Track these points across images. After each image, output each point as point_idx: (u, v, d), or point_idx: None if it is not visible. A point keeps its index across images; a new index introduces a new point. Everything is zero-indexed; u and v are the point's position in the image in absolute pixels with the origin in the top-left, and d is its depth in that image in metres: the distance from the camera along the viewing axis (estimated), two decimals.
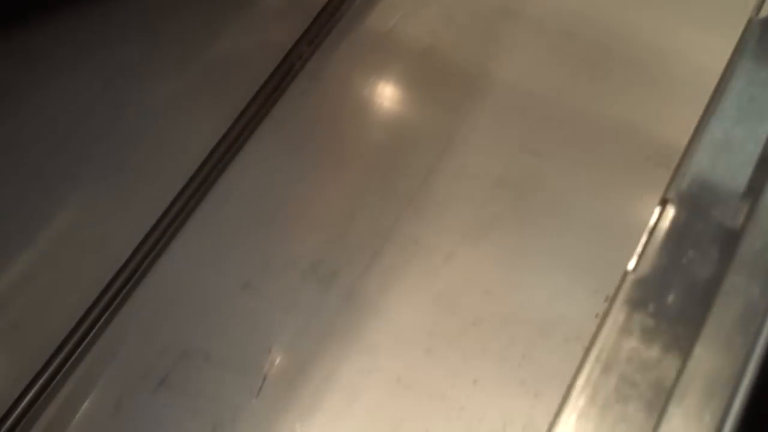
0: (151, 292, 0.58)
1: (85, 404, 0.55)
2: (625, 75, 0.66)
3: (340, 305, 0.57)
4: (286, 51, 0.67)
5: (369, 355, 0.55)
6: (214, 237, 0.60)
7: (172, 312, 0.58)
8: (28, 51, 0.69)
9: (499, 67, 0.67)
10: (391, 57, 0.68)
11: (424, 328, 0.55)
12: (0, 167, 0.64)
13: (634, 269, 0.42)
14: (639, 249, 0.43)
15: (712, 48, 0.64)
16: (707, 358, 0.40)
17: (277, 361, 0.55)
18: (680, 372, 0.39)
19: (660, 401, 0.38)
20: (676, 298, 0.42)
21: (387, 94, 0.66)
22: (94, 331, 0.56)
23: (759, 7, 0.62)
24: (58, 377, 0.55)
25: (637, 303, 0.42)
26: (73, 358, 0.55)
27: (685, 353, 0.40)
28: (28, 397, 0.54)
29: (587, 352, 0.39)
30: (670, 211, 0.45)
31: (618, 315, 0.41)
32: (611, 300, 0.42)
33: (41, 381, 0.54)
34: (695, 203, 0.45)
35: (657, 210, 0.45)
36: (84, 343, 0.56)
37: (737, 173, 0.48)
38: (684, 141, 0.59)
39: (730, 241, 0.44)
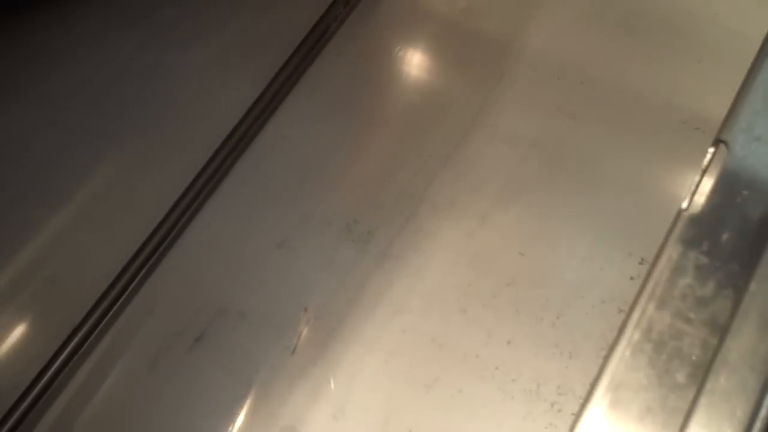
0: (188, 250, 0.59)
1: (122, 361, 0.56)
2: (661, 39, 0.65)
3: (375, 265, 0.57)
4: (321, 12, 0.66)
5: (404, 314, 0.55)
6: (250, 196, 0.60)
7: (208, 270, 0.58)
8: (65, 14, 0.70)
9: (534, 30, 0.66)
10: (427, 19, 0.68)
11: (459, 288, 0.55)
12: (38, 124, 0.64)
13: (687, 208, 0.42)
14: (692, 188, 0.43)
15: (749, 12, 0.64)
16: (762, 294, 0.40)
17: (312, 320, 0.55)
18: (735, 308, 0.39)
19: (715, 338, 0.38)
20: (730, 236, 0.42)
21: (422, 57, 0.66)
22: (130, 288, 0.57)
23: None
24: (95, 334, 0.55)
25: (690, 241, 0.41)
26: (109, 314, 0.56)
27: (740, 290, 0.39)
28: (65, 353, 0.54)
29: (641, 289, 0.39)
30: (723, 151, 0.45)
31: (672, 253, 0.41)
32: (668, 231, 0.42)
33: (78, 337, 0.55)
34: (748, 144, 0.45)
35: (710, 150, 0.45)
36: (120, 300, 0.56)
37: None
38: (719, 106, 0.59)
39: None
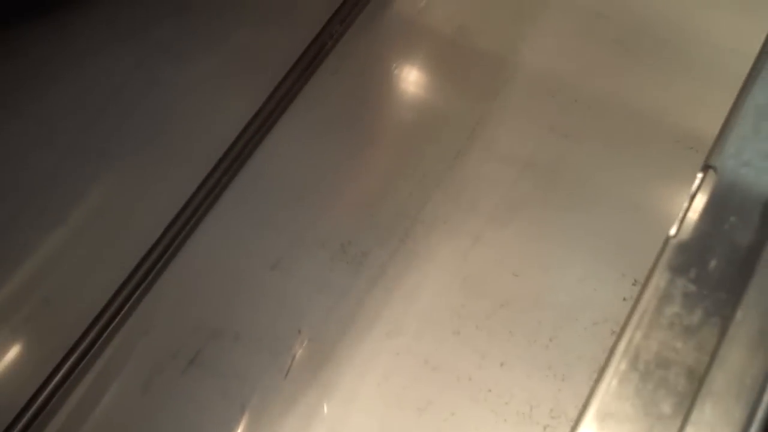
0: (182, 271, 0.59)
1: (116, 382, 0.56)
2: (655, 57, 0.65)
3: (370, 286, 0.57)
4: (318, 30, 0.66)
5: (397, 336, 0.55)
6: (245, 216, 0.60)
7: (202, 291, 0.58)
8: (63, 29, 0.70)
9: (528, 48, 0.66)
10: (422, 37, 0.68)
11: (453, 310, 0.56)
12: (34, 142, 0.64)
13: (676, 234, 0.42)
14: (680, 214, 0.43)
15: (743, 31, 0.64)
16: (749, 323, 0.40)
17: (306, 342, 0.55)
18: (721, 337, 0.39)
19: (701, 367, 0.38)
20: (717, 263, 0.42)
21: (417, 74, 0.66)
22: (125, 309, 0.57)
23: None
24: (89, 355, 0.55)
25: (678, 268, 0.41)
26: (104, 336, 0.56)
27: (727, 319, 0.40)
28: (59, 375, 0.54)
29: (629, 317, 0.40)
30: (712, 177, 0.45)
31: (659, 280, 0.41)
32: (653, 264, 0.42)
33: (72, 358, 0.55)
34: (737, 169, 0.45)
35: (699, 176, 0.45)
36: (115, 321, 0.56)
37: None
38: (713, 125, 0.59)
39: None
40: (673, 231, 0.43)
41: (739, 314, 0.41)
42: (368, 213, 0.60)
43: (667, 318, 0.41)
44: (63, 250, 0.60)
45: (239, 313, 0.57)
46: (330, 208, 0.60)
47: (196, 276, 0.59)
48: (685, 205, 0.43)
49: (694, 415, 0.38)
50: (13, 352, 0.57)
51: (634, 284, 0.55)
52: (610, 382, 0.39)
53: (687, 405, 0.38)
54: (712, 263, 0.43)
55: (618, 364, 0.40)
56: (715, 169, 0.47)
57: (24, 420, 0.53)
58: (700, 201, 0.44)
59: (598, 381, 0.39)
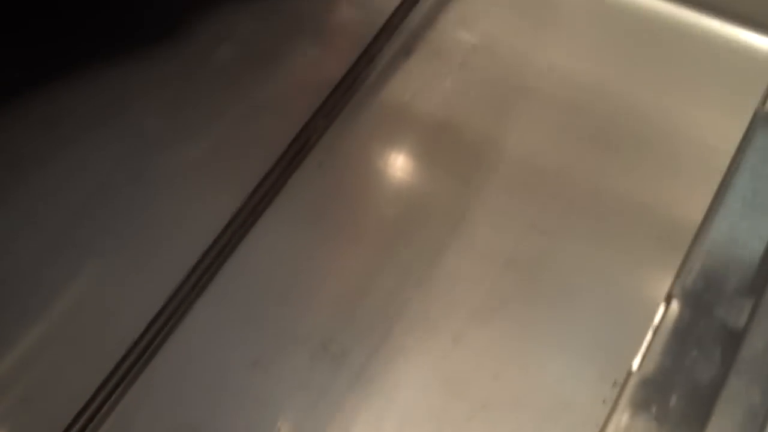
0: (163, 369, 0.59)
1: None
2: (636, 153, 0.66)
3: (350, 385, 0.57)
4: (302, 124, 0.67)
5: None
6: (226, 313, 0.60)
7: (183, 389, 0.58)
8: (46, 116, 0.70)
9: (511, 142, 0.67)
10: (406, 131, 0.69)
11: (433, 412, 0.56)
12: (15, 236, 0.65)
13: (639, 368, 0.43)
14: (643, 347, 0.44)
15: (722, 129, 0.65)
16: None
17: None
18: None
19: None
20: (678, 400, 0.42)
21: (401, 168, 0.67)
22: (105, 407, 0.57)
23: (765, 99, 0.62)
24: None
25: (640, 405, 0.42)
26: None
27: None
28: None
29: None
30: (675, 308, 0.45)
31: (621, 416, 0.41)
32: (615, 400, 0.42)
33: None
34: (699, 301, 0.46)
35: (662, 307, 0.45)
36: (94, 421, 0.56)
37: (741, 271, 0.48)
38: (694, 222, 0.59)
39: (733, 341, 0.44)
40: (635, 365, 0.43)
41: None
42: (349, 310, 0.60)
43: None
44: (42, 347, 0.60)
45: (219, 410, 0.57)
46: (312, 305, 0.61)
47: (176, 374, 0.59)
48: (649, 336, 0.44)
49: None
50: None
51: (613, 385, 0.55)
52: None
53: None
54: (673, 399, 0.43)
55: None
56: (677, 300, 0.47)
57: None
58: (663, 333, 0.45)
59: None
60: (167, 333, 0.59)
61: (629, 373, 0.42)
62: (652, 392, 0.42)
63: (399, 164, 0.67)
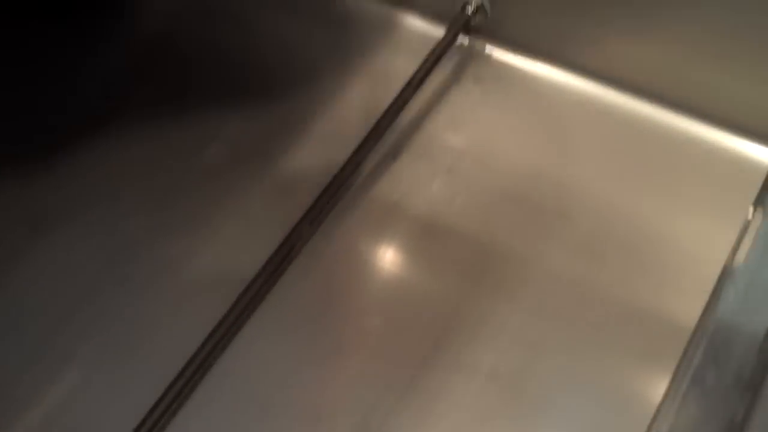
0: None
1: None
2: (623, 261, 0.66)
3: None
4: (289, 227, 0.67)
5: None
6: (206, 427, 0.60)
7: None
8: (32, 218, 0.70)
9: (496, 250, 0.67)
10: (392, 235, 0.69)
11: None
12: None
13: None
14: None
15: (711, 238, 0.65)
16: None
17: None
18: None
19: None
20: None
21: (386, 275, 0.67)
22: None
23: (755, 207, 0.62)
24: None
25: None
26: None
27: None
28: None
29: None
30: (675, 404, 0.45)
31: None
32: None
33: None
34: (697, 396, 0.45)
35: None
36: None
37: (739, 366, 0.48)
38: (684, 332, 0.59)
39: None
40: None
41: None
42: (331, 425, 0.60)
43: None
44: None
45: None
46: (294, 419, 0.60)
47: None
48: None
49: None
50: None
51: None
52: None
53: None
54: None
55: None
56: (674, 396, 0.47)
57: None
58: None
59: None
60: None
61: None
62: None
63: (384, 270, 0.67)
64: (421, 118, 0.75)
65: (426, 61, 0.74)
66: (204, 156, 0.74)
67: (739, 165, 0.70)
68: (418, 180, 0.71)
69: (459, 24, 0.77)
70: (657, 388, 0.57)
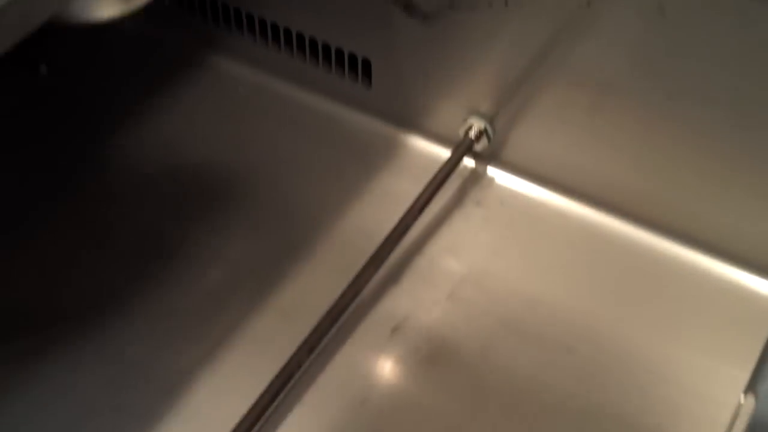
0: None
1: None
2: (623, 396, 0.65)
3: None
4: (286, 358, 0.66)
5: None
6: None
7: None
8: (27, 343, 0.70)
9: (495, 378, 0.67)
10: (390, 362, 0.68)
11: None
12: None
13: None
14: None
15: (723, 378, 0.64)
16: None
17: None
18: None
19: None
20: None
21: (383, 402, 0.66)
22: None
23: None
24: None
25: None
26: None
27: None
28: None
29: None
30: None
31: None
32: None
33: None
34: None
35: None
36: None
37: None
38: None
39: None
40: None
41: None
42: None
43: None
44: None
45: None
46: None
47: None
48: None
49: None
50: None
51: None
52: None
53: None
54: None
55: None
56: None
57: None
58: None
59: None
60: None
61: None
62: None
63: (382, 397, 0.67)
64: (423, 241, 0.75)
65: (428, 185, 0.74)
66: (205, 280, 0.74)
67: (752, 302, 0.70)
68: (418, 306, 0.71)
69: (462, 148, 0.77)
70: None
